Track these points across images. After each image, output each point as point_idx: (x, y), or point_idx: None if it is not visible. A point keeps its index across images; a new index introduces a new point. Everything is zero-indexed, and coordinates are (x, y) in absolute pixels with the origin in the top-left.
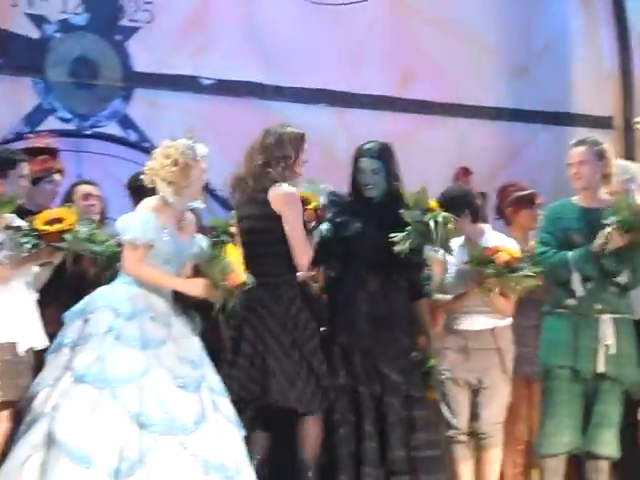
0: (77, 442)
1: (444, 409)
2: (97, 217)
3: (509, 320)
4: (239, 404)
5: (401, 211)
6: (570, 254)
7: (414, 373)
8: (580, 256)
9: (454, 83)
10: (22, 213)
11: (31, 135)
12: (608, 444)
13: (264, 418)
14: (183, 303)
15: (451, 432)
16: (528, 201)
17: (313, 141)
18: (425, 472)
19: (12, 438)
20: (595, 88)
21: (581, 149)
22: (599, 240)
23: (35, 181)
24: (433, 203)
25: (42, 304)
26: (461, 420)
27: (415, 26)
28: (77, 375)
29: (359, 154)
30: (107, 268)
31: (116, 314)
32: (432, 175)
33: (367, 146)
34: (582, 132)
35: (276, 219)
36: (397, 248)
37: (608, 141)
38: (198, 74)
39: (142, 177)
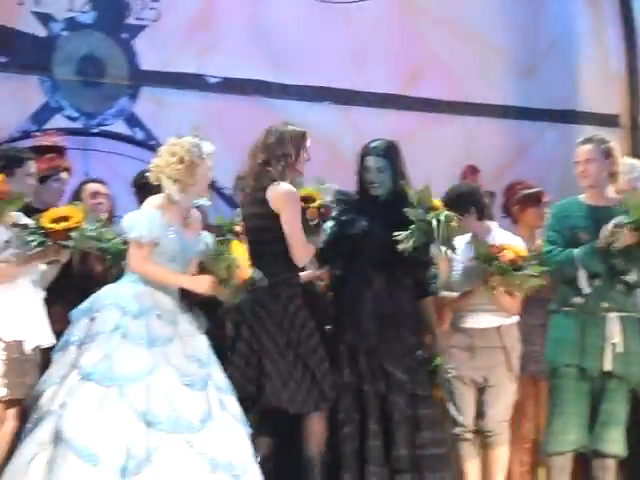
0: (84, 440)
1: (450, 407)
2: (105, 215)
3: (515, 318)
4: (245, 403)
5: (405, 209)
6: (576, 251)
7: (420, 371)
8: (586, 252)
9: (461, 82)
10: (29, 211)
11: (38, 133)
12: (615, 442)
13: (269, 417)
14: (189, 301)
15: (457, 430)
16: (535, 199)
17: (319, 139)
18: (430, 470)
19: (18, 436)
20: (602, 86)
21: (588, 147)
22: (604, 234)
23: (42, 179)
24: (437, 201)
25: (49, 302)
26: (467, 418)
27: (422, 25)
28: (84, 373)
29: (365, 152)
30: (113, 266)
31: (123, 312)
32: (439, 173)
33: (373, 144)
34: (589, 130)
35: (274, 218)
36: (401, 247)
37: (615, 139)
38: (204, 72)
39: (147, 175)
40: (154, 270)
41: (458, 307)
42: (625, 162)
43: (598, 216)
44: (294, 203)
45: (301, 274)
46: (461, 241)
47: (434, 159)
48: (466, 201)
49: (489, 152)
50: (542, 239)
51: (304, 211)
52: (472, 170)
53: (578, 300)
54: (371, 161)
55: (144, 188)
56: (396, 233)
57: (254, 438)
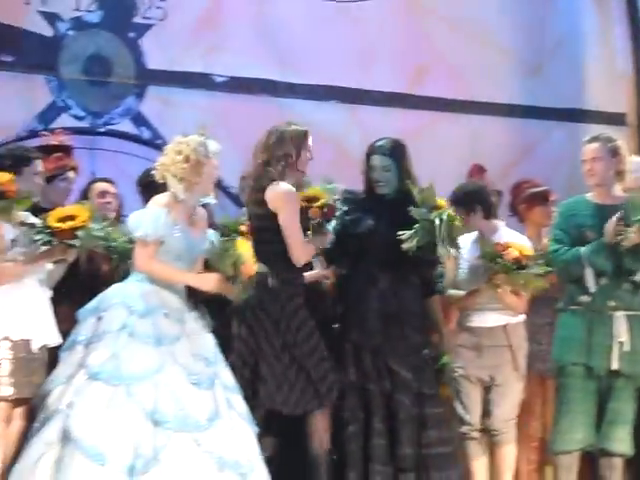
0: (92, 439)
1: (457, 405)
2: (113, 215)
3: (522, 317)
4: (250, 402)
5: (409, 209)
6: (583, 249)
7: (425, 370)
8: (593, 250)
9: (467, 81)
10: (36, 211)
11: (45, 133)
12: (622, 441)
13: (274, 416)
14: (195, 299)
15: (464, 428)
16: (542, 198)
17: (325, 138)
18: (436, 469)
19: (25, 436)
20: (609, 85)
21: (595, 146)
22: (608, 230)
23: (49, 179)
24: (440, 200)
25: (55, 302)
26: (474, 416)
27: (428, 24)
28: (91, 372)
29: (371, 151)
30: (120, 265)
31: (130, 311)
32: (445, 172)
33: (379, 143)
34: (596, 129)
35: (273, 218)
36: (405, 246)
37: (622, 138)
38: (211, 71)
39: (152, 174)
40: (160, 269)
41: (464, 306)
42: (632, 160)
43: (605, 215)
44: (291, 203)
45: (307, 274)
46: (467, 240)
47: (440, 158)
48: (472, 199)
49: (495, 151)
50: (549, 238)
51: (307, 211)
52: (479, 169)
53: (585, 299)
54: (377, 160)
55: (149, 187)
56: (400, 232)
57: (260, 438)
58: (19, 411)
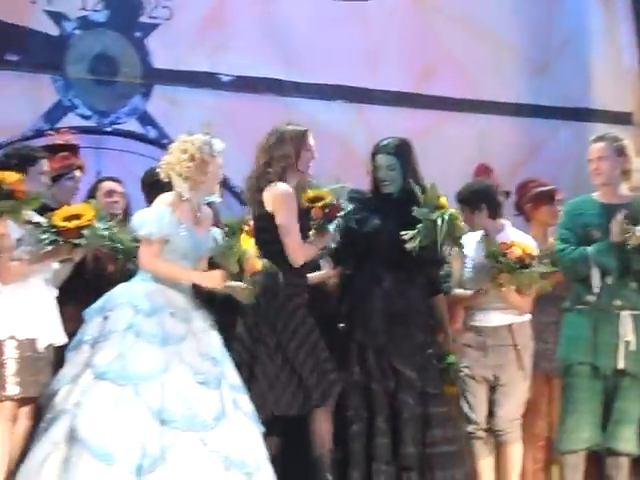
0: (99, 439)
1: (463, 404)
2: (120, 214)
3: (527, 316)
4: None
5: (413, 208)
6: (589, 249)
7: (430, 369)
8: (599, 250)
9: (474, 80)
10: (43, 210)
11: (51, 132)
12: (628, 440)
13: (278, 416)
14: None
15: (470, 428)
16: (548, 197)
17: (332, 138)
18: (441, 468)
19: (31, 436)
20: (615, 84)
21: (601, 145)
22: (615, 229)
23: (55, 178)
24: (443, 200)
25: (61, 301)
26: (479, 416)
27: (435, 23)
28: (98, 372)
29: (376, 150)
30: (126, 265)
31: (136, 311)
32: (452, 171)
33: (384, 142)
34: (602, 128)
35: (271, 219)
36: (408, 246)
37: (628, 137)
38: (217, 71)
39: (157, 173)
40: (164, 267)
41: (470, 305)
42: (638, 160)
43: (611, 214)
44: (288, 203)
45: (314, 274)
46: (473, 239)
47: (447, 157)
48: (478, 198)
49: (502, 150)
50: (555, 237)
51: (309, 211)
52: (485, 169)
53: (591, 298)
54: (381, 159)
55: (153, 186)
56: (403, 232)
57: (264, 437)
58: (25, 411)
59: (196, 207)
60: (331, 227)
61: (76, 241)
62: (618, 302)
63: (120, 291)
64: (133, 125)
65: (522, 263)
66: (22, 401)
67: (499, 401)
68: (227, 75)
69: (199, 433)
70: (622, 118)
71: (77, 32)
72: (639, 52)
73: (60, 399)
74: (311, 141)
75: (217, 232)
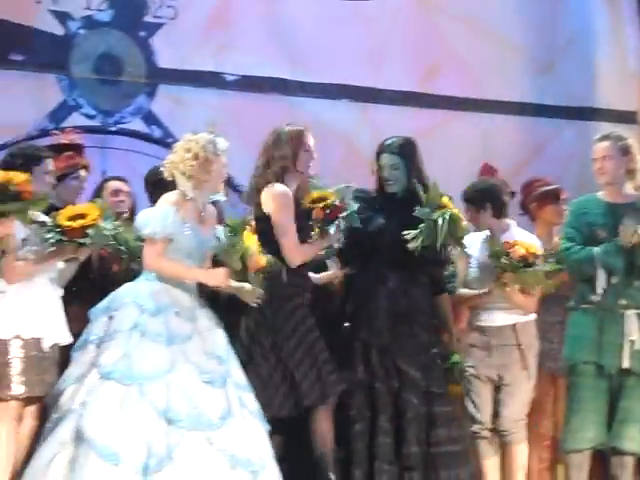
0: (105, 439)
1: (468, 404)
2: (126, 213)
3: (532, 316)
4: None
5: (416, 208)
6: (596, 249)
7: (434, 369)
8: (605, 251)
9: (478, 79)
10: (48, 209)
11: (56, 132)
12: (633, 440)
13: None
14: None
15: (475, 427)
16: (553, 196)
17: (337, 137)
18: (445, 467)
19: (37, 436)
20: (620, 83)
21: (605, 144)
22: (624, 233)
23: (61, 177)
24: (445, 200)
25: (65, 301)
26: (484, 415)
27: (439, 22)
28: (104, 372)
29: (380, 150)
30: (130, 264)
31: (141, 310)
32: (456, 170)
33: (388, 142)
34: (606, 127)
35: (268, 220)
36: (410, 245)
37: (633, 136)
38: (222, 70)
39: (160, 171)
40: (168, 266)
41: (475, 305)
42: None
43: (616, 213)
44: (284, 204)
45: (321, 275)
46: (477, 239)
47: (451, 156)
48: (482, 197)
49: (506, 149)
50: (560, 236)
51: (310, 212)
52: (489, 168)
53: (596, 297)
54: (385, 158)
55: (157, 185)
56: (405, 232)
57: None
58: (31, 410)
59: (200, 206)
60: (331, 229)
61: (81, 240)
62: (623, 301)
63: (125, 291)
64: (138, 124)
65: (526, 262)
66: (27, 400)
67: (504, 401)
68: (232, 74)
69: (205, 432)
70: (626, 117)
71: (82, 32)
72: None
73: (66, 399)
74: (309, 141)
75: (220, 230)
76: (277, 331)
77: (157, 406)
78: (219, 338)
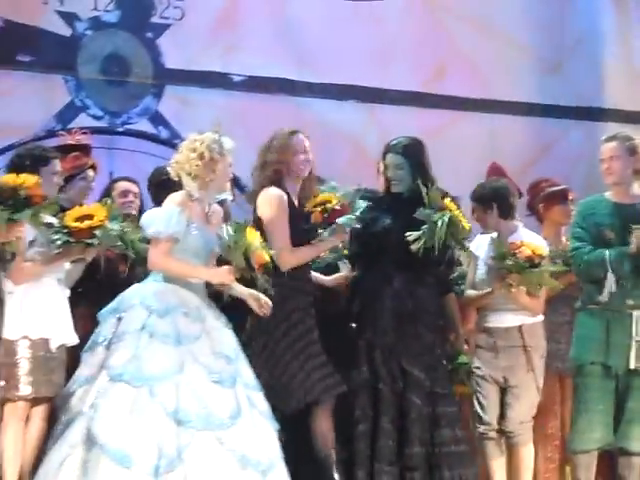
0: (117, 443)
1: (475, 405)
2: (135, 214)
3: (539, 317)
4: None
5: (419, 209)
6: (607, 252)
7: (439, 369)
8: (616, 258)
9: (486, 79)
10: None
11: (63, 132)
12: None
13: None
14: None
15: (482, 428)
16: (561, 197)
17: (343, 137)
18: (448, 468)
19: (47, 438)
20: (627, 83)
21: (613, 144)
22: (636, 243)
23: (68, 178)
24: (447, 201)
25: (72, 302)
26: (491, 416)
27: (447, 22)
28: (114, 374)
29: (386, 150)
30: (137, 265)
31: (149, 311)
32: (463, 171)
33: (393, 142)
34: (614, 127)
35: (261, 223)
36: (412, 247)
37: None
38: (229, 71)
39: (164, 172)
40: (174, 265)
41: (483, 306)
42: None
43: (623, 213)
44: (275, 207)
45: (332, 277)
46: (485, 240)
47: (458, 157)
48: (489, 198)
49: (514, 149)
50: (568, 237)
51: (309, 215)
52: (497, 168)
53: (603, 298)
54: (390, 158)
55: (160, 186)
56: (407, 233)
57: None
58: (39, 412)
59: (206, 206)
60: (325, 233)
61: (88, 241)
62: (631, 302)
63: (133, 292)
64: (145, 125)
65: (531, 263)
66: (34, 401)
67: (510, 403)
68: (239, 75)
69: (215, 432)
70: (634, 117)
71: (89, 32)
72: None
73: (76, 401)
74: (302, 144)
75: (222, 228)
76: (270, 333)
77: (167, 407)
78: (227, 338)
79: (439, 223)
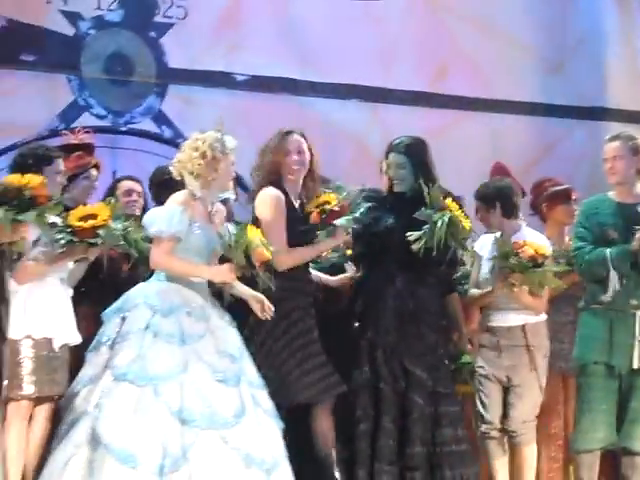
0: (122, 443)
1: (478, 404)
2: (139, 213)
3: (542, 317)
4: None
5: (422, 209)
6: (608, 251)
7: (441, 369)
8: (618, 256)
9: (488, 79)
10: None
11: (66, 132)
12: None
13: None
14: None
15: (484, 427)
16: (564, 196)
17: (347, 137)
18: (449, 467)
19: (51, 438)
20: (630, 83)
21: (616, 144)
22: (638, 238)
23: (71, 178)
24: (448, 202)
25: (74, 301)
26: (493, 416)
27: (449, 22)
28: (118, 374)
29: (389, 149)
30: (140, 264)
31: (153, 311)
32: (466, 171)
33: (396, 141)
34: (617, 127)
35: (259, 223)
36: (413, 247)
37: None
38: (232, 70)
39: (165, 172)
40: (175, 264)
41: (486, 305)
42: None
43: (627, 213)
44: (270, 207)
45: (337, 277)
46: (489, 240)
47: (461, 156)
48: (492, 197)
49: (516, 149)
50: (571, 236)
51: (308, 216)
52: (501, 168)
53: (606, 298)
54: (392, 158)
55: (161, 186)
56: (409, 233)
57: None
58: (43, 411)
59: (209, 205)
60: (321, 234)
61: (92, 241)
62: (634, 301)
63: (137, 292)
64: (148, 125)
65: (534, 263)
66: (37, 400)
67: (512, 402)
68: (242, 75)
69: (219, 431)
70: (637, 117)
71: (92, 32)
72: None
73: (80, 401)
74: (294, 144)
75: (224, 227)
76: (268, 330)
77: (171, 406)
78: (232, 336)
79: (439, 223)
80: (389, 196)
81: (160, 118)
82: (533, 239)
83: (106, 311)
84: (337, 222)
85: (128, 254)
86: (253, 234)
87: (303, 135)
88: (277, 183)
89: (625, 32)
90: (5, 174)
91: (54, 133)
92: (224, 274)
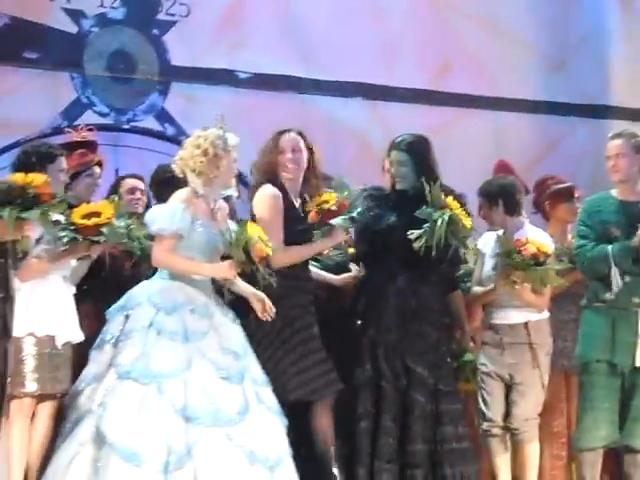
0: (126, 441)
1: (480, 402)
2: (142, 211)
3: (545, 314)
4: None
5: (423, 207)
6: (610, 247)
7: (443, 367)
8: (619, 252)
9: (491, 76)
10: None
11: (69, 129)
12: None
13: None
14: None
15: (485, 425)
16: (567, 194)
17: (349, 134)
18: (450, 465)
19: (55, 436)
20: (633, 81)
21: (618, 142)
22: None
23: (74, 175)
24: (449, 200)
25: (77, 299)
26: (495, 414)
27: (452, 20)
28: (122, 372)
29: (391, 147)
30: (142, 262)
31: (156, 309)
32: (468, 168)
33: (398, 139)
34: (620, 125)
35: (257, 221)
36: (415, 245)
37: None
38: (234, 68)
39: (167, 170)
40: (177, 262)
41: (489, 303)
42: None
43: (629, 211)
44: (267, 205)
45: (341, 276)
46: (492, 237)
47: (464, 154)
48: (495, 194)
49: (519, 147)
50: (574, 234)
51: (307, 215)
52: (504, 165)
53: (609, 296)
54: (395, 155)
55: (162, 184)
56: (409, 232)
57: None
58: (45, 409)
59: (211, 202)
60: (317, 234)
61: (95, 238)
62: (636, 299)
63: (140, 289)
64: (151, 122)
65: (536, 260)
66: (40, 398)
67: (515, 400)
68: (245, 72)
69: (223, 428)
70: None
71: (95, 30)
72: None
73: (84, 399)
74: (289, 143)
75: (227, 225)
76: (267, 329)
77: (175, 404)
78: (235, 334)
79: (439, 222)
80: (391, 194)
81: (163, 116)
82: (536, 237)
83: (110, 309)
84: (333, 221)
85: (131, 252)
86: (253, 230)
87: (301, 134)
88: (275, 181)
89: (628, 30)
90: (8, 172)
91: (57, 131)
92: (224, 271)
